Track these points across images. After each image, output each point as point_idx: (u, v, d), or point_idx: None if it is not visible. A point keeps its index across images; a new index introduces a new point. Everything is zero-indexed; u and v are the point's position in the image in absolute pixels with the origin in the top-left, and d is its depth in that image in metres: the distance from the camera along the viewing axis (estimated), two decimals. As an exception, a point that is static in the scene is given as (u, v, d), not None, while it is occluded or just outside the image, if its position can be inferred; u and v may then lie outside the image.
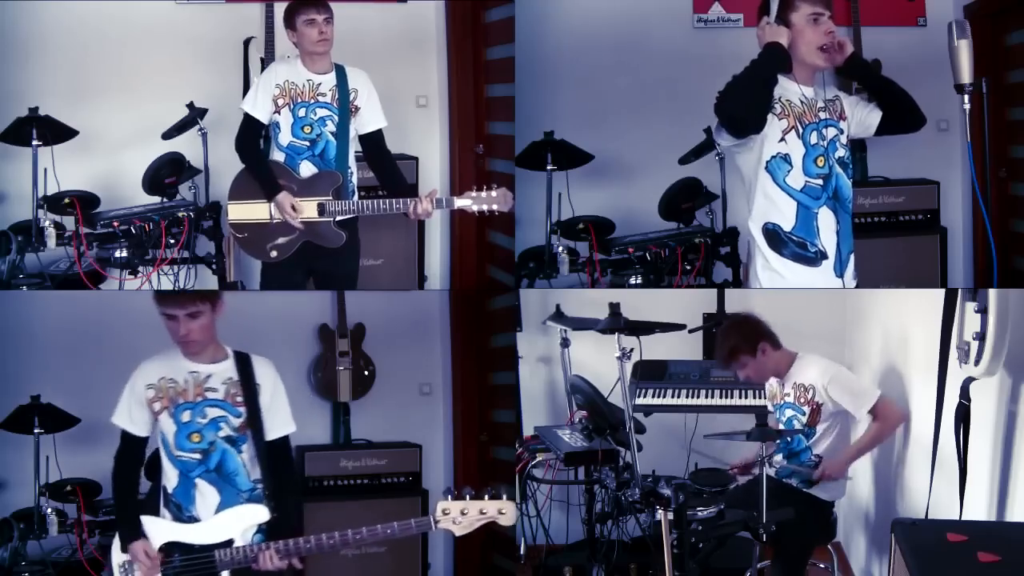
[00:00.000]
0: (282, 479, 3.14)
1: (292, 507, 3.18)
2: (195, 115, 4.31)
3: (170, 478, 3.10)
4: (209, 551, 3.03)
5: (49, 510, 4.09)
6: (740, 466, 3.89)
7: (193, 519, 3.08)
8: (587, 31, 4.76)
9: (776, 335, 3.81)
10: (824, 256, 3.14)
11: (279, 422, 3.16)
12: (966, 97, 3.03)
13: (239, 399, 3.10)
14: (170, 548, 3.04)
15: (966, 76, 3.02)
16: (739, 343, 3.78)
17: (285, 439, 3.17)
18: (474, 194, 3.75)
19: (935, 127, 4.66)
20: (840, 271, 3.16)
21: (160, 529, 3.06)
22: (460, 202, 3.76)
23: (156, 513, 3.10)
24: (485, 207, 3.76)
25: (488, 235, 4.86)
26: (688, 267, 4.34)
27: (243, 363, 3.13)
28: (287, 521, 3.11)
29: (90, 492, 4.16)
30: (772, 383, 3.87)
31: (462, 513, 3.02)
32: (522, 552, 4.35)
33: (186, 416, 3.08)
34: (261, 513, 3.07)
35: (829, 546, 3.92)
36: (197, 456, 3.08)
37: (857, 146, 4.69)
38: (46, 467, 4.10)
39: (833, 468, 3.69)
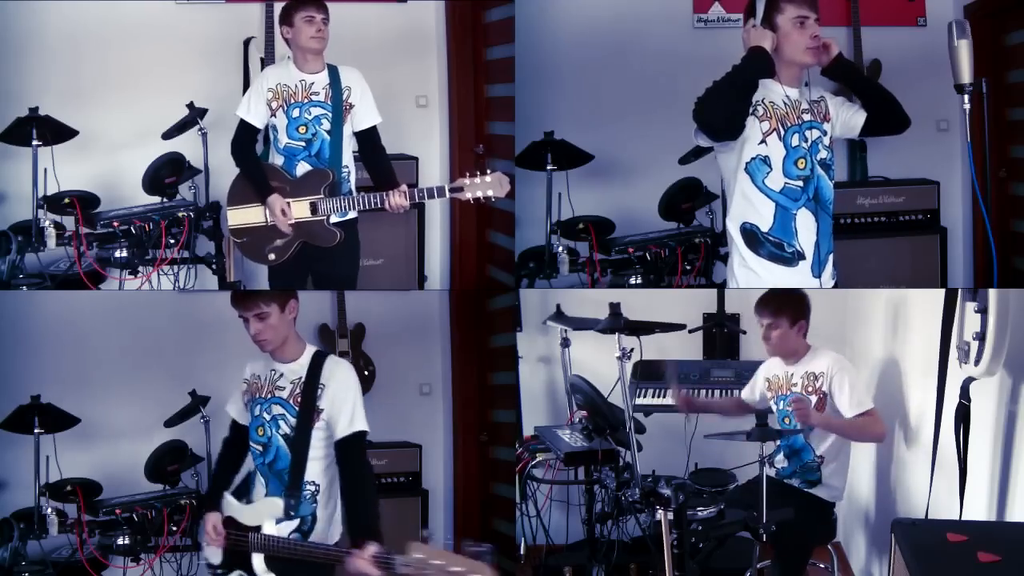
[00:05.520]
0: (350, 478, 3.12)
1: (364, 506, 3.10)
2: (195, 115, 4.30)
3: (250, 463, 3.25)
4: (245, 532, 3.11)
5: (49, 510, 4.08)
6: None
7: (248, 502, 3.20)
8: (587, 31, 4.76)
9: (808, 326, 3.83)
10: (801, 256, 3.14)
11: (345, 421, 3.11)
12: (966, 97, 3.03)
13: (299, 398, 3.15)
14: (229, 521, 3.15)
15: (966, 76, 3.01)
16: (788, 307, 3.76)
17: (353, 438, 3.11)
18: (467, 180, 3.68)
19: (935, 127, 4.67)
20: (818, 272, 3.16)
21: (226, 503, 3.19)
22: (452, 190, 3.69)
23: (228, 487, 3.25)
24: (480, 193, 3.68)
25: (488, 235, 4.86)
26: (688, 267, 4.35)
27: (316, 363, 3.17)
28: (360, 521, 3.06)
29: (90, 492, 4.16)
30: (778, 375, 3.87)
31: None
32: (522, 552, 4.35)
33: (257, 410, 3.20)
34: (277, 507, 3.10)
35: (829, 546, 3.93)
36: (259, 448, 3.19)
37: (857, 146, 4.70)
38: (46, 467, 4.10)
39: (805, 414, 3.67)
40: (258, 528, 3.10)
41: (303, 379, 3.15)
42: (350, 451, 3.13)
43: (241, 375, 3.26)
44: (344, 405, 3.12)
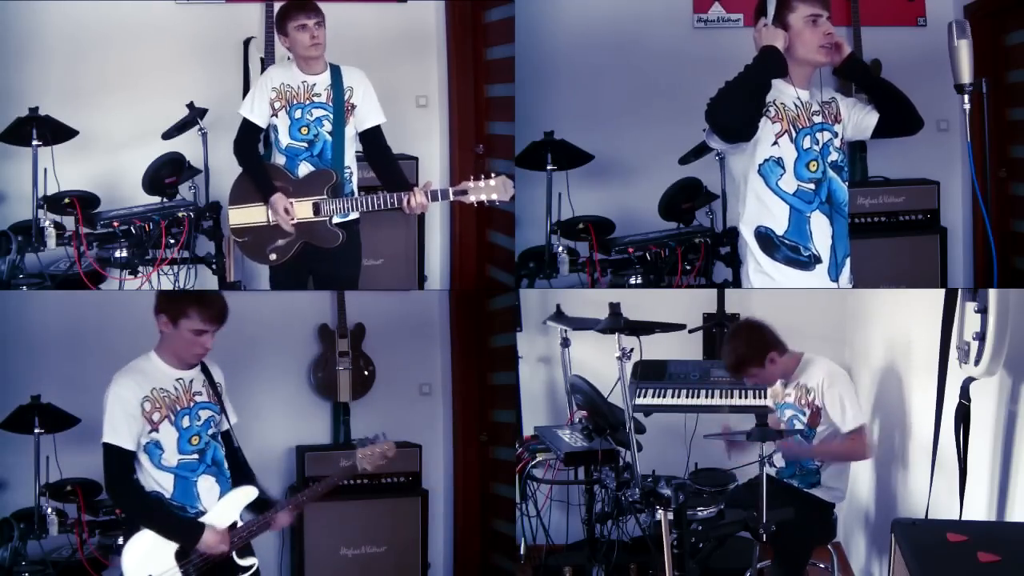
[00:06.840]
0: (241, 462, 3.38)
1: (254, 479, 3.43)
2: (195, 115, 4.31)
3: (165, 486, 3.16)
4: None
5: (49, 510, 4.08)
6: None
7: (200, 513, 3.18)
8: (587, 31, 4.76)
9: (782, 341, 3.76)
10: (818, 260, 3.12)
11: (230, 413, 3.37)
12: (966, 97, 3.02)
13: (215, 397, 3.29)
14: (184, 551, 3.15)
15: (966, 76, 3.01)
16: (748, 354, 3.72)
17: (232, 428, 3.38)
18: (471, 184, 3.68)
19: (935, 127, 4.66)
20: (835, 275, 3.13)
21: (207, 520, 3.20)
22: (456, 193, 3.69)
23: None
24: (484, 197, 3.68)
25: (488, 235, 4.86)
26: (688, 267, 4.34)
27: (203, 365, 3.30)
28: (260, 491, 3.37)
29: (90, 492, 4.15)
30: (775, 387, 3.86)
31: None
32: (522, 552, 4.35)
33: (186, 421, 3.20)
34: (251, 492, 3.27)
35: (829, 546, 3.92)
36: (196, 456, 3.20)
37: (857, 146, 4.69)
38: (46, 467, 4.10)
39: (790, 451, 3.69)
40: (234, 525, 3.19)
41: (206, 381, 3.29)
42: (232, 438, 3.37)
43: (120, 397, 3.11)
44: (226, 401, 3.35)
